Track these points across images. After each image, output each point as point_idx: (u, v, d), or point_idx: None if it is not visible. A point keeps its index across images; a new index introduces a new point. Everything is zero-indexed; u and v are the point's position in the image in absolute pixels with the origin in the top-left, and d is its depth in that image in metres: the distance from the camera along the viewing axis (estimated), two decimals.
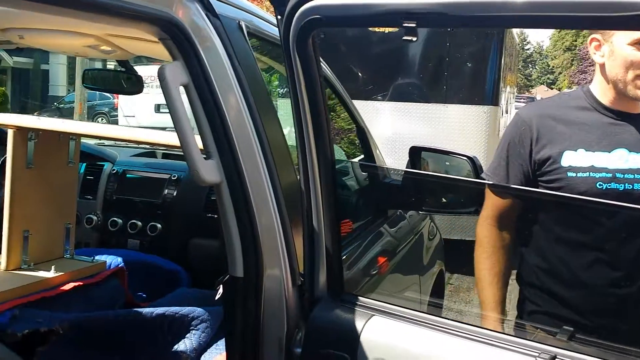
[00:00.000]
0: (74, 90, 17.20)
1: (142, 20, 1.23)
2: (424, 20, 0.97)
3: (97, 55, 2.21)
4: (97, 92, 18.48)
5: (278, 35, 1.85)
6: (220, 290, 1.58)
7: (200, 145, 1.38)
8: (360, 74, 6.35)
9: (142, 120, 13.93)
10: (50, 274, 2.06)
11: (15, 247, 2.07)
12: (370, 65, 6.42)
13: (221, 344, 2.11)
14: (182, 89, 1.34)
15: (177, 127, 1.31)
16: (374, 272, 2.19)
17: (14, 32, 2.00)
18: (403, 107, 6.32)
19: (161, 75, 1.29)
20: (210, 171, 1.35)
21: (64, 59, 20.51)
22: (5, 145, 2.48)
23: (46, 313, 1.92)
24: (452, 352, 1.20)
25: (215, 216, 2.62)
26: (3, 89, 18.12)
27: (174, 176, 2.66)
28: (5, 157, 2.46)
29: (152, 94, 12.71)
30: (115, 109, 16.21)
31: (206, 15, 1.39)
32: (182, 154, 3.05)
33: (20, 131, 2.04)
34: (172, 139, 2.03)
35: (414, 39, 0.98)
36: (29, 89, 20.66)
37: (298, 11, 1.12)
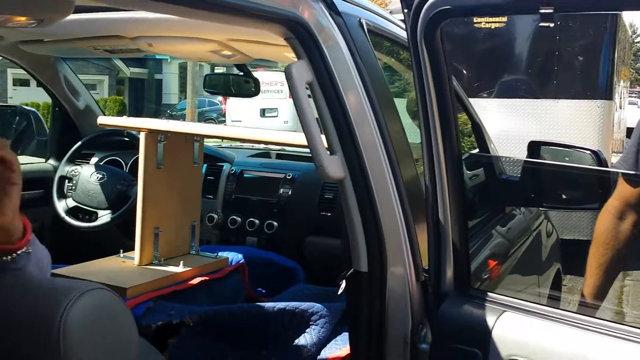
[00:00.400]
0: (185, 98, 18.05)
1: (271, 20, 1.28)
2: (563, 5, 0.94)
3: (218, 60, 2.31)
4: (207, 99, 19.28)
5: (393, 31, 1.87)
6: (343, 285, 1.60)
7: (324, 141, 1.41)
8: (465, 72, 6.23)
9: (248, 124, 14.37)
10: (179, 268, 2.17)
11: (147, 243, 2.20)
12: (475, 63, 6.29)
13: (340, 340, 2.14)
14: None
15: (303, 123, 1.34)
16: (495, 269, 2.14)
17: (143, 40, 2.14)
18: (511, 103, 6.15)
19: (288, 74, 1.33)
20: (334, 167, 1.37)
21: (176, 69, 21.58)
22: (134, 147, 2.65)
23: (177, 306, 2.02)
24: (595, 350, 1.15)
25: (329, 214, 2.66)
26: (121, 98, 19.35)
27: (289, 175, 2.72)
28: (136, 158, 2.63)
29: (258, 98, 13.07)
30: (223, 115, 16.86)
31: (329, 14, 1.41)
32: (295, 153, 3.13)
33: (152, 133, 2.17)
34: (291, 138, 2.08)
35: (552, 25, 0.95)
36: (144, 97, 21.92)
37: (427, 3, 1.11)
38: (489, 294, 1.34)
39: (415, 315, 1.44)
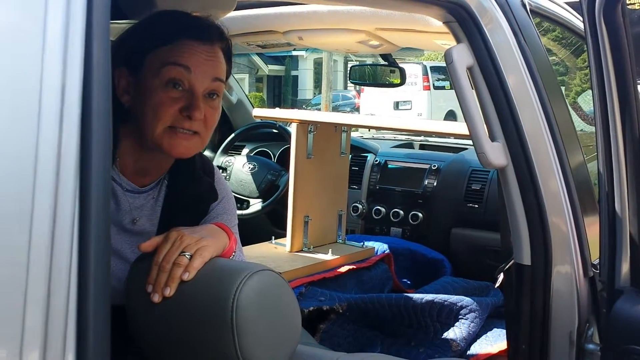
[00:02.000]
0: (319, 93, 18.41)
1: (432, 4, 1.25)
2: None
3: (365, 50, 2.31)
4: (340, 93, 19.53)
5: (558, 12, 1.76)
6: (501, 278, 1.54)
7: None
8: None
9: None
10: (328, 256, 2.21)
11: (297, 231, 2.26)
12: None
13: (491, 336, 2.07)
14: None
15: (464, 108, 1.31)
16: None
17: (294, 34, 2.19)
18: None
19: (448, 57, 1.29)
20: (496, 154, 1.32)
21: (311, 65, 22.07)
22: (281, 139, 2.74)
23: (327, 292, 2.06)
24: None
25: (476, 206, 2.58)
26: (260, 94, 20.15)
27: (434, 166, 2.67)
28: (283, 149, 2.71)
29: (391, 91, 13.04)
30: (357, 108, 16.99)
31: None
32: (438, 144, 3.05)
33: (302, 124, 2.22)
34: (448, 127, 2.04)
35: None
36: (281, 93, 22.66)
37: None
38: None
39: (582, 312, 1.35)
